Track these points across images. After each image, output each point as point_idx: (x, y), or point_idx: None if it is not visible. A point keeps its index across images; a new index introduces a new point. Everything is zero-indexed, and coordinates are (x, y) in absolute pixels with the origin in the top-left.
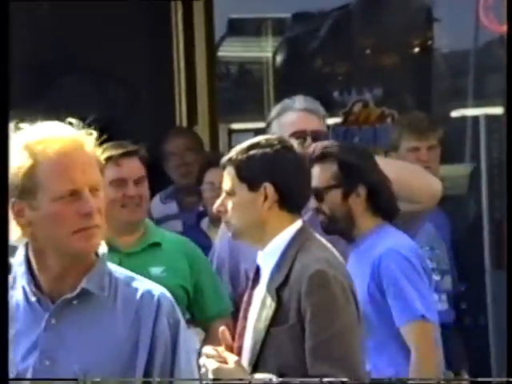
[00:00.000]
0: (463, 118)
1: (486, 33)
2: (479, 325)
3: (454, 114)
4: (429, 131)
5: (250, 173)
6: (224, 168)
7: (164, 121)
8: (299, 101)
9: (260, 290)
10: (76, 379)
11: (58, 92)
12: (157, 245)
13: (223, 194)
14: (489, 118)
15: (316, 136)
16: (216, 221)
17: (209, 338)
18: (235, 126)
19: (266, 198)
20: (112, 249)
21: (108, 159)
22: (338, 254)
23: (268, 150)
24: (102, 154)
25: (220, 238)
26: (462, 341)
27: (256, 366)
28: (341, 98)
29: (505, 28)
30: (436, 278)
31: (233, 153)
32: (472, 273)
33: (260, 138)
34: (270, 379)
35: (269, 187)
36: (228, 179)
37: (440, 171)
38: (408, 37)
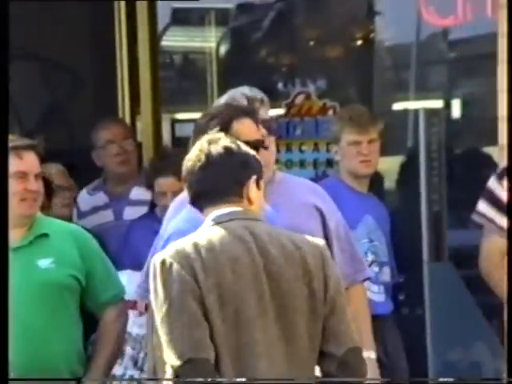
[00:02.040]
0: (404, 111)
1: (428, 26)
2: (416, 315)
3: (396, 106)
4: (369, 125)
5: None
6: None
7: (106, 109)
8: (245, 90)
9: None
10: (77, 379)
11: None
12: (44, 236)
13: None
14: (429, 111)
15: (266, 125)
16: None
17: (101, 325)
18: (179, 115)
19: None
20: None
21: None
22: (228, 238)
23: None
24: None
25: None
26: (400, 331)
27: None
28: (285, 89)
29: (445, 22)
30: (375, 269)
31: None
32: (410, 264)
33: None
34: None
35: None
36: None
37: (380, 164)
38: (351, 29)
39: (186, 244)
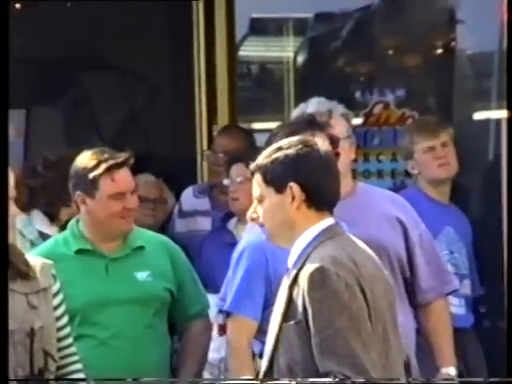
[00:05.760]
0: (486, 121)
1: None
2: (498, 329)
3: (477, 116)
4: (438, 128)
5: (275, 175)
6: (253, 175)
7: (184, 119)
8: (311, 104)
9: (283, 287)
10: (81, 379)
11: (79, 88)
12: (140, 248)
13: (255, 202)
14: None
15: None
16: (243, 218)
17: (187, 338)
18: (255, 125)
19: (293, 198)
20: (97, 254)
21: (102, 173)
22: (365, 254)
23: (291, 151)
24: (95, 166)
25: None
26: (481, 345)
27: (272, 361)
28: (362, 98)
29: None
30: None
31: (259, 159)
32: (492, 277)
33: (283, 142)
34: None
35: (294, 187)
36: (257, 186)
37: (461, 175)
38: (431, 38)
39: (343, 253)
